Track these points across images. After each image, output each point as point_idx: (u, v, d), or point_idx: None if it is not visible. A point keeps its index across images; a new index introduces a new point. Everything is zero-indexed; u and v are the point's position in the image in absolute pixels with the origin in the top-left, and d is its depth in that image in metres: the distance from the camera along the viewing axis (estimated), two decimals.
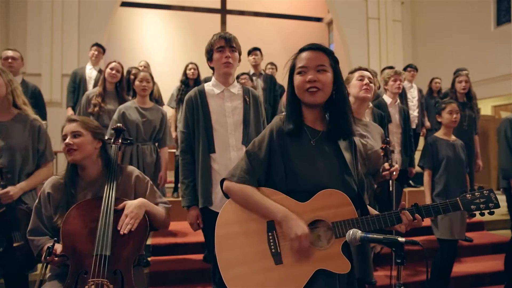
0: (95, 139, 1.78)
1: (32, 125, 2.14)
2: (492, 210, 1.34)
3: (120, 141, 2.05)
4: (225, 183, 1.36)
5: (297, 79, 1.33)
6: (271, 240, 1.26)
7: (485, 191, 1.35)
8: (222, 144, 2.03)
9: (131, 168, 1.89)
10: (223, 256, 1.28)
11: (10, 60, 3.60)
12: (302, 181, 1.29)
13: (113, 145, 1.97)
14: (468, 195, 1.35)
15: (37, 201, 1.74)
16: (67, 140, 1.71)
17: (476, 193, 1.35)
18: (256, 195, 1.29)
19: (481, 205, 1.34)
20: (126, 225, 1.60)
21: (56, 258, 1.53)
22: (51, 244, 1.52)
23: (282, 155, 1.32)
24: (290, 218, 1.24)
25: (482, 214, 1.36)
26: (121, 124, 2.15)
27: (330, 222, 1.26)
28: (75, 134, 1.73)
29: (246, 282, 1.24)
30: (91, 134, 1.77)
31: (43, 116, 3.67)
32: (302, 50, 1.36)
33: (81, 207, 1.65)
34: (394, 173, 2.15)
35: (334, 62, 1.35)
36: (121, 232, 1.59)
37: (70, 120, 1.79)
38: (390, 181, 2.19)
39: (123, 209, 1.65)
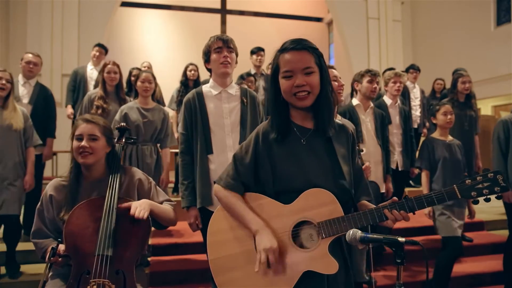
0: (108, 145, 1.76)
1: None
2: (499, 194, 1.16)
3: (123, 140, 2.05)
4: (215, 186, 1.39)
5: (284, 83, 1.26)
6: None
7: (489, 174, 1.18)
8: (220, 145, 2.06)
9: (134, 169, 1.88)
10: (215, 262, 1.32)
11: (31, 66, 3.59)
12: (290, 181, 1.27)
13: (117, 144, 1.96)
14: (467, 181, 1.19)
15: (39, 203, 1.72)
16: (83, 143, 1.67)
17: (478, 177, 1.18)
18: (237, 205, 1.30)
19: (484, 190, 1.17)
20: (139, 212, 1.58)
21: (60, 259, 1.53)
22: (55, 245, 1.52)
23: (269, 158, 1.30)
24: (261, 232, 1.24)
25: (487, 200, 1.18)
26: (124, 124, 2.15)
27: (316, 223, 1.24)
28: (92, 138, 1.69)
29: (237, 287, 1.26)
30: (106, 139, 1.75)
31: (52, 119, 3.70)
32: (284, 49, 1.27)
33: (84, 207, 1.63)
34: (367, 171, 2.13)
35: (319, 58, 1.27)
36: (136, 216, 1.56)
37: (88, 121, 1.72)
38: None
39: (126, 209, 1.63)
